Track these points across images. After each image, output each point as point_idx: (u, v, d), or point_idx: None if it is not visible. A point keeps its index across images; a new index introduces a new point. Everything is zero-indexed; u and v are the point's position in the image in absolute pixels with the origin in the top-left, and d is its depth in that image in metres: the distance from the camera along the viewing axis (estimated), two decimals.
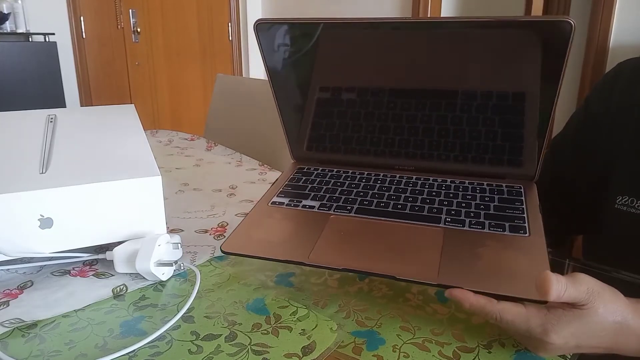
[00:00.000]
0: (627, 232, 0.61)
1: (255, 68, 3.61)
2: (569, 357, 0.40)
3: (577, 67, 2.20)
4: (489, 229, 0.49)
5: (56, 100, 2.77)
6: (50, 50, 2.74)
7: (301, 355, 0.40)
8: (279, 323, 0.45)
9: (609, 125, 0.65)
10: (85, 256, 0.54)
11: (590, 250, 0.72)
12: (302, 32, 0.57)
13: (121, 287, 0.50)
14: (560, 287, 0.37)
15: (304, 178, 0.63)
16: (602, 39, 2.08)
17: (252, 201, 0.76)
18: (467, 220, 0.51)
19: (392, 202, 0.56)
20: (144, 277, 0.52)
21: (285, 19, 0.56)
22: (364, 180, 0.61)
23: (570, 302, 0.38)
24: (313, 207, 0.56)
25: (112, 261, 0.53)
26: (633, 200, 0.60)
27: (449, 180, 0.59)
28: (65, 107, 2.56)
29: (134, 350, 0.41)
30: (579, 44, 2.14)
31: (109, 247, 0.53)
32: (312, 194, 0.59)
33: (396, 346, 0.41)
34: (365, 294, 0.50)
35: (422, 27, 0.54)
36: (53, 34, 2.80)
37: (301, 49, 0.59)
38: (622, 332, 0.39)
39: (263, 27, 0.57)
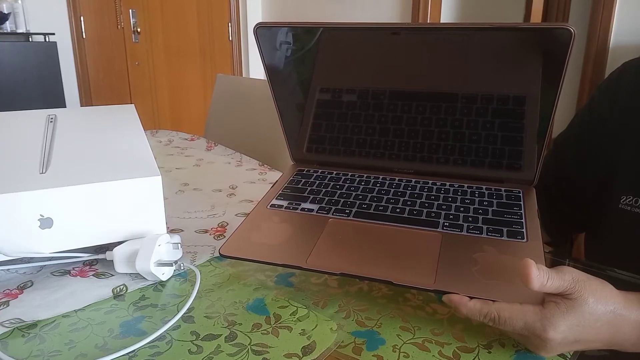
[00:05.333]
0: (631, 232, 0.61)
1: (255, 68, 3.61)
2: (569, 356, 0.40)
3: (577, 68, 2.20)
4: (487, 234, 0.49)
5: (56, 100, 2.77)
6: (50, 50, 2.74)
7: (301, 355, 0.40)
8: (279, 323, 0.45)
9: (613, 125, 0.65)
10: (85, 256, 0.54)
11: (592, 250, 0.72)
12: (302, 35, 0.57)
13: (121, 287, 0.50)
14: (542, 275, 0.38)
15: (303, 180, 0.63)
16: (602, 40, 2.08)
17: (252, 201, 0.76)
18: (465, 225, 0.51)
19: (390, 206, 0.56)
20: (144, 277, 0.52)
21: (285, 22, 0.56)
22: (362, 183, 0.61)
23: (556, 292, 0.38)
24: (312, 210, 0.56)
25: (112, 261, 0.53)
26: (637, 200, 0.60)
27: (447, 183, 0.59)
28: (65, 107, 2.56)
29: (134, 350, 0.41)
30: (579, 44, 2.14)
31: (109, 247, 0.53)
32: (311, 196, 0.59)
33: (396, 346, 0.41)
34: (365, 294, 0.50)
35: (422, 32, 0.55)
36: (53, 34, 2.80)
37: (301, 52, 0.59)
38: (617, 322, 0.39)
39: (263, 31, 0.57)
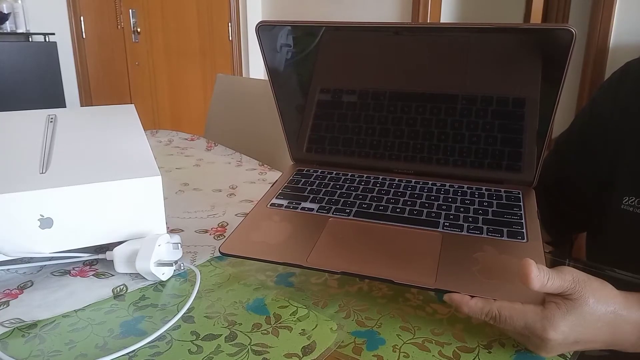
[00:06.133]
0: (632, 233, 0.61)
1: (255, 68, 3.61)
2: (569, 356, 0.40)
3: (577, 68, 2.20)
4: (487, 234, 0.49)
5: (56, 100, 2.77)
6: (50, 50, 2.74)
7: (301, 355, 0.40)
8: (279, 323, 0.45)
9: (614, 125, 0.65)
10: (85, 256, 0.54)
11: (594, 250, 0.72)
12: (304, 34, 0.57)
13: (121, 287, 0.50)
14: (542, 275, 0.38)
15: (303, 180, 0.63)
16: (602, 40, 2.08)
17: (252, 201, 0.76)
18: (466, 225, 0.51)
19: (390, 206, 0.56)
20: (144, 277, 0.52)
21: (287, 21, 0.56)
22: (362, 183, 0.61)
23: (556, 292, 0.38)
24: (312, 209, 0.56)
25: (112, 261, 0.53)
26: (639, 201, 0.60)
27: (447, 184, 0.59)
28: (65, 107, 2.56)
29: (134, 350, 0.41)
30: (579, 44, 2.14)
31: (109, 247, 0.53)
32: (311, 196, 0.59)
33: (396, 346, 0.41)
34: (365, 294, 0.50)
35: (423, 32, 0.55)
36: (53, 34, 2.80)
37: (302, 51, 0.59)
38: (617, 322, 0.39)
39: (265, 29, 0.57)
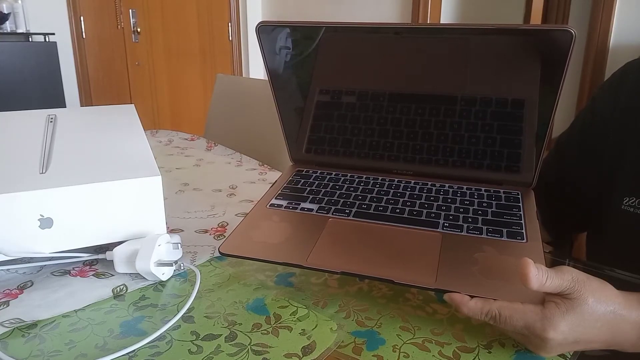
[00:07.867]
0: (634, 234, 0.61)
1: (255, 68, 3.61)
2: (569, 356, 0.40)
3: (577, 68, 2.20)
4: (487, 235, 0.49)
5: (56, 100, 2.77)
6: (50, 50, 2.75)
7: (301, 355, 0.40)
8: (279, 323, 0.45)
9: (615, 125, 0.65)
10: (85, 256, 0.54)
11: (594, 251, 0.72)
12: (304, 35, 0.58)
13: (121, 287, 0.50)
14: (541, 275, 0.38)
15: (302, 181, 0.63)
16: (602, 40, 2.08)
17: (252, 201, 0.76)
18: (465, 225, 0.51)
19: (390, 207, 0.56)
20: (144, 277, 0.52)
21: (287, 22, 0.56)
22: (362, 184, 0.61)
23: (556, 291, 0.38)
24: (311, 210, 0.56)
25: (112, 261, 0.53)
26: None
27: (447, 185, 0.59)
28: (65, 107, 2.56)
29: (134, 350, 0.41)
30: (579, 44, 2.14)
31: (109, 247, 0.53)
32: (311, 196, 0.59)
33: (396, 346, 0.41)
34: (365, 294, 0.50)
35: (423, 32, 0.55)
36: (53, 34, 2.80)
37: (302, 51, 0.59)
38: (617, 322, 0.39)
39: (265, 30, 0.57)
